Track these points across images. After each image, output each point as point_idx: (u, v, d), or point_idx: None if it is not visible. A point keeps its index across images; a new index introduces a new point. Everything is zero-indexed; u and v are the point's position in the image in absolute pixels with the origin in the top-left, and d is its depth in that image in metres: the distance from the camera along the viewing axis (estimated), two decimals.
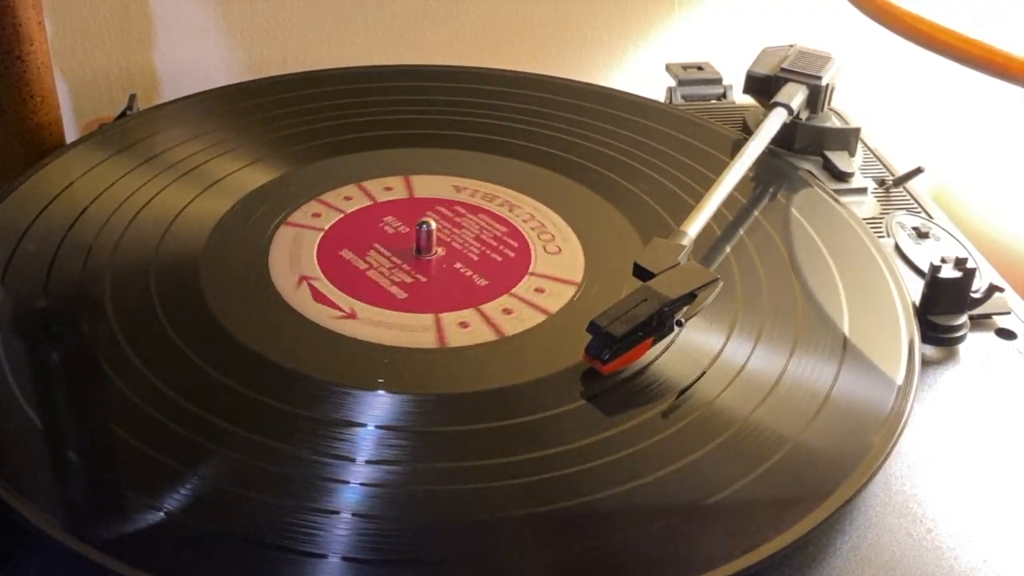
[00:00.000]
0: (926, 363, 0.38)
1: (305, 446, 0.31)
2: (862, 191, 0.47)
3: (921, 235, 0.45)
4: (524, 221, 0.43)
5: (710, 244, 0.41)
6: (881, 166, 0.51)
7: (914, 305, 0.39)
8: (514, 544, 0.29)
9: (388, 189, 0.45)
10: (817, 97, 0.48)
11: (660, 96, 0.56)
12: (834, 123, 0.49)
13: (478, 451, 0.32)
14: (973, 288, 0.39)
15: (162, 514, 0.29)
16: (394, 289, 0.39)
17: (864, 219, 0.44)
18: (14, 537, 0.30)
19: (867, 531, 0.32)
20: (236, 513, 0.29)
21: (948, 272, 0.38)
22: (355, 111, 0.49)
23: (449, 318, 0.37)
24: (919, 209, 0.47)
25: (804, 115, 0.48)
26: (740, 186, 0.42)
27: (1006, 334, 0.40)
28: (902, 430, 0.33)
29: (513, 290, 0.39)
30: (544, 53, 0.66)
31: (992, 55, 0.45)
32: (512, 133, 0.49)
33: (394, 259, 0.40)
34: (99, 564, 0.28)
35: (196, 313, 0.36)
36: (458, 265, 0.40)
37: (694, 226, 0.39)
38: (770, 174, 0.46)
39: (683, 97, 0.56)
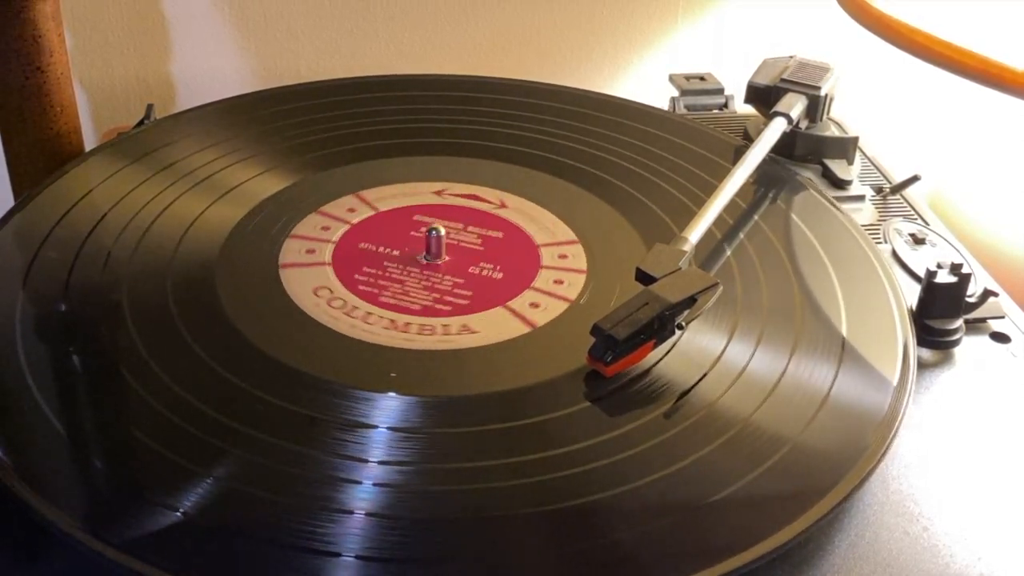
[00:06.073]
0: (922, 365, 0.39)
1: (319, 447, 0.32)
2: (860, 198, 0.48)
3: (918, 241, 0.45)
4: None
5: (712, 249, 0.42)
6: (879, 174, 0.51)
7: (911, 309, 0.39)
8: (523, 542, 0.30)
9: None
10: (816, 107, 0.48)
11: (663, 106, 0.57)
12: (833, 132, 0.50)
13: (486, 452, 0.32)
14: (968, 293, 0.39)
15: (178, 514, 0.29)
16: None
17: (862, 226, 0.45)
18: (36, 537, 0.30)
19: (865, 529, 0.32)
20: (251, 513, 0.30)
21: (944, 277, 0.39)
22: (367, 120, 0.50)
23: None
24: (916, 216, 0.48)
25: (804, 124, 0.49)
26: (741, 193, 0.43)
27: (1000, 337, 0.40)
28: (898, 430, 0.33)
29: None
30: (550, 63, 0.66)
31: (988, 66, 0.45)
32: (519, 140, 0.49)
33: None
34: (118, 563, 0.28)
35: (211, 318, 0.37)
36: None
37: (695, 232, 0.39)
38: (770, 181, 0.46)
39: (686, 107, 0.56)
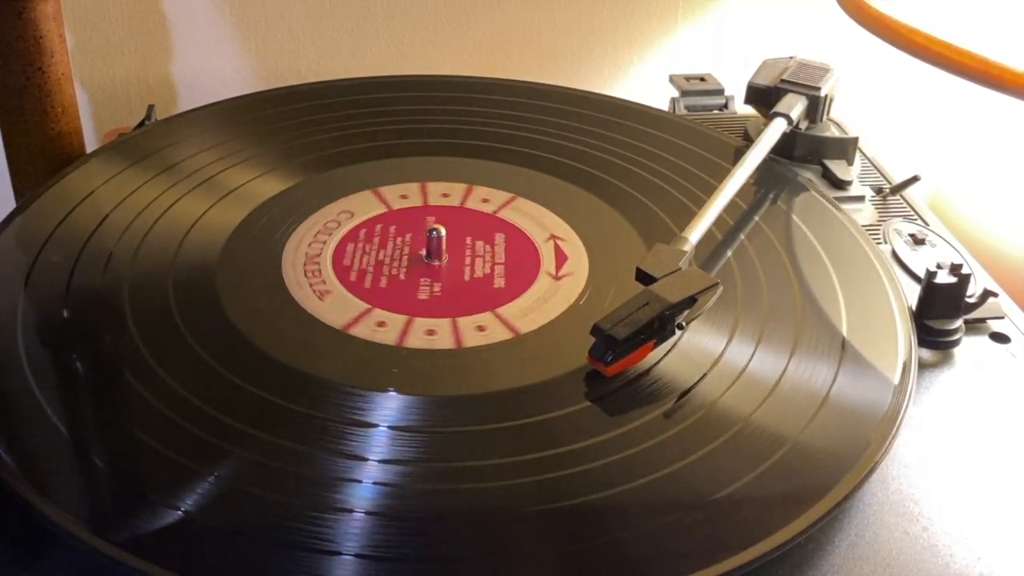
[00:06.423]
0: (922, 366, 0.39)
1: (319, 447, 0.32)
2: (860, 199, 0.48)
3: (917, 241, 0.45)
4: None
5: (712, 249, 0.42)
6: (879, 174, 0.51)
7: (911, 309, 0.39)
8: (523, 542, 0.30)
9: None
10: (816, 107, 0.48)
11: (663, 106, 0.57)
12: (833, 133, 0.50)
13: (487, 451, 0.32)
14: (968, 293, 0.39)
15: (179, 513, 0.29)
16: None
17: (862, 226, 0.45)
18: (37, 536, 0.30)
19: (865, 529, 0.32)
20: (251, 512, 0.30)
21: (944, 277, 0.39)
22: (367, 120, 0.50)
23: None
24: (916, 216, 0.48)
25: (804, 125, 0.49)
26: (741, 193, 0.43)
27: (1000, 338, 0.40)
28: (898, 430, 0.33)
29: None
30: (550, 63, 0.67)
31: (987, 67, 0.45)
32: (519, 141, 0.49)
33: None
34: (119, 562, 0.28)
35: (213, 318, 0.37)
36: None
37: (695, 232, 0.39)
38: (771, 181, 0.47)
39: (686, 107, 0.57)
